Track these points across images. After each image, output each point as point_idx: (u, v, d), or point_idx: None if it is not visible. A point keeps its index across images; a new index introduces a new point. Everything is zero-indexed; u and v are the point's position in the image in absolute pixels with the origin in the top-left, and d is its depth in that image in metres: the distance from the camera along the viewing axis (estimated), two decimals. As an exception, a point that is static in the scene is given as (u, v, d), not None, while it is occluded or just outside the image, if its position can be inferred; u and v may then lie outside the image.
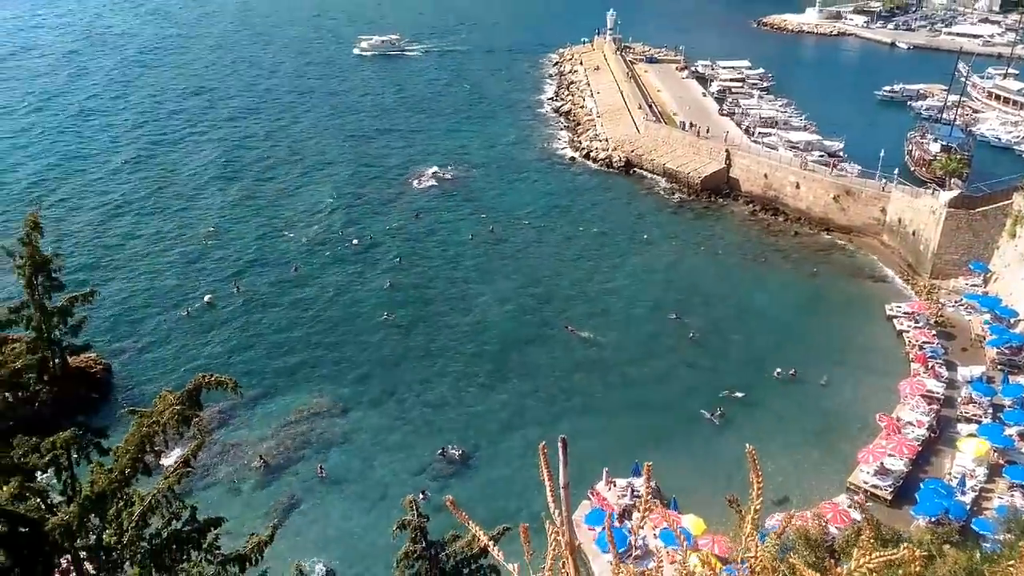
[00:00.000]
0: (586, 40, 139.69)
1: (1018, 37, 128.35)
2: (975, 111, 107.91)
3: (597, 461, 44.41)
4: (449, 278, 68.34)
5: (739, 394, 52.51)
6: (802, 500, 41.31)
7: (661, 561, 5.20)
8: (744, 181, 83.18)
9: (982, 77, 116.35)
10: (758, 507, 4.50)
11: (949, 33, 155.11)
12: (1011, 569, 5.47)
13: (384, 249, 72.62)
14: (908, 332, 57.82)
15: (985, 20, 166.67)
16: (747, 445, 4.88)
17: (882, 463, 44.20)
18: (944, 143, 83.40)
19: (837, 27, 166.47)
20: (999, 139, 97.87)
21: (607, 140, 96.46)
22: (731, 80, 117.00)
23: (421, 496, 37.57)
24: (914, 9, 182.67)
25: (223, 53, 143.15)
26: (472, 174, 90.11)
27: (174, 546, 22.85)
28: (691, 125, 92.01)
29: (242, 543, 24.58)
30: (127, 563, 22.26)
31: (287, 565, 30.25)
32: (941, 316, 60.26)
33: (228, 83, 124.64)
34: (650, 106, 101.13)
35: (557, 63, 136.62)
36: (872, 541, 3.96)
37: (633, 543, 10.35)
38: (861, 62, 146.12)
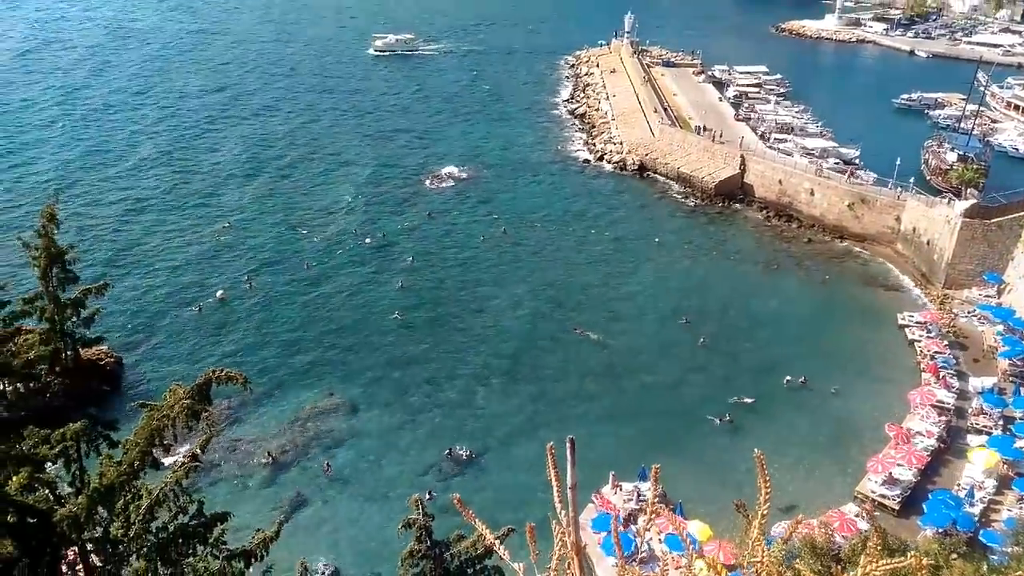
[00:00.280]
0: (603, 43, 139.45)
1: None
2: (993, 121, 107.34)
3: (604, 464, 44.37)
4: (461, 280, 68.36)
5: (748, 400, 52.33)
6: (809, 508, 41.09)
7: (667, 565, 5.18)
8: (758, 187, 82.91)
9: (1001, 87, 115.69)
10: (765, 512, 4.48)
11: (969, 42, 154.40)
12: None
13: (397, 249, 72.73)
14: (920, 342, 57.52)
15: (1006, 30, 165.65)
16: (755, 450, 4.86)
17: (891, 473, 43.99)
18: (961, 153, 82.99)
19: (856, 34, 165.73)
20: (1017, 149, 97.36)
21: (622, 143, 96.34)
22: (748, 85, 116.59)
23: (427, 496, 37.65)
24: (934, 17, 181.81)
25: (244, 50, 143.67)
26: (486, 175, 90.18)
27: (180, 540, 22.91)
28: (704, 129, 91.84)
29: (248, 539, 24.64)
30: (133, 556, 22.33)
31: (292, 562, 30.30)
32: (954, 326, 59.92)
33: (248, 80, 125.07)
34: (665, 110, 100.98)
35: (574, 65, 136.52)
36: (879, 549, 3.93)
37: (639, 546, 10.33)
38: (879, 70, 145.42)
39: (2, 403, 32.78)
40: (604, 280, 68.68)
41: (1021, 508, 42.25)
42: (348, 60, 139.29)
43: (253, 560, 24.02)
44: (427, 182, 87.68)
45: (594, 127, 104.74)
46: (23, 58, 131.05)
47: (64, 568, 22.25)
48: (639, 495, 42.98)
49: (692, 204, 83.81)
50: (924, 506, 41.77)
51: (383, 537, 39.34)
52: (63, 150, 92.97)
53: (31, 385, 35.74)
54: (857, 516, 40.65)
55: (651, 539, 36.58)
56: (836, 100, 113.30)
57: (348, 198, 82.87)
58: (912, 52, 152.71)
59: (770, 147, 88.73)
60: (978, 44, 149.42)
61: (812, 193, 78.16)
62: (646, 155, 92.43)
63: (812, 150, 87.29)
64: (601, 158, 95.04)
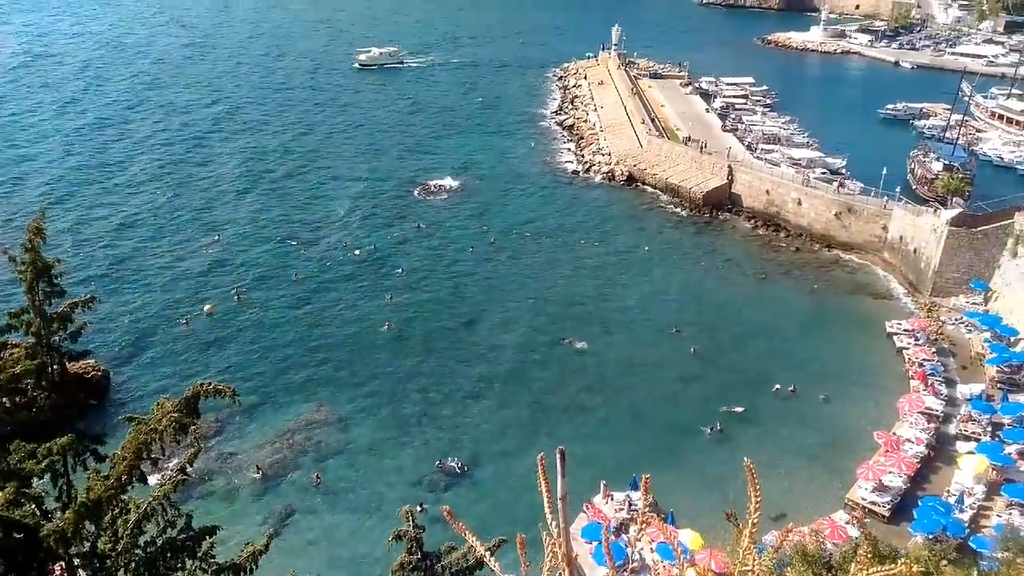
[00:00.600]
0: (591, 55, 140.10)
1: (1022, 57, 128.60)
2: (978, 130, 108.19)
3: (595, 474, 44.35)
4: (451, 292, 68.28)
5: (738, 409, 52.43)
6: (800, 516, 41.08)
7: (658, 574, 5.18)
8: (746, 197, 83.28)
9: (985, 97, 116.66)
10: (756, 521, 4.48)
11: (953, 53, 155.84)
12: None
13: (386, 262, 72.58)
14: (908, 349, 57.78)
15: (989, 40, 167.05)
16: (745, 459, 4.86)
17: (881, 480, 44.10)
18: (946, 162, 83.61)
19: (841, 45, 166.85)
20: (1001, 158, 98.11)
21: (610, 154, 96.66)
22: (735, 96, 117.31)
23: (418, 507, 37.50)
24: (918, 29, 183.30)
25: (234, 64, 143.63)
26: (476, 187, 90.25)
27: (169, 554, 22.71)
28: (690, 140, 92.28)
29: (237, 552, 24.47)
30: (121, 571, 22.12)
31: (282, 575, 30.11)
32: (941, 334, 60.28)
33: (240, 94, 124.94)
34: (653, 121, 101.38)
35: (562, 77, 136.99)
36: (869, 556, 3.94)
37: (630, 555, 10.31)
38: (865, 80, 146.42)
39: (-12, 418, 32.49)
40: (595, 290, 68.75)
41: (1011, 514, 42.42)
42: (339, 74, 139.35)
43: (242, 573, 23.84)
44: (417, 194, 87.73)
45: (583, 138, 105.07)
46: (14, 72, 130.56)
47: (51, 584, 22.03)
48: (630, 504, 42.92)
49: (680, 214, 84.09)
50: (914, 513, 41.93)
51: (373, 549, 39.15)
52: (56, 164, 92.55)
53: (17, 399, 35.46)
54: (848, 523, 40.68)
55: (642, 548, 36.44)
56: (822, 111, 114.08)
57: (339, 211, 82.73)
58: (897, 63, 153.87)
59: (757, 157, 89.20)
60: (962, 55, 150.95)
61: (799, 203, 78.56)
62: (634, 166, 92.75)
63: (799, 160, 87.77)
64: (589, 169, 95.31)
